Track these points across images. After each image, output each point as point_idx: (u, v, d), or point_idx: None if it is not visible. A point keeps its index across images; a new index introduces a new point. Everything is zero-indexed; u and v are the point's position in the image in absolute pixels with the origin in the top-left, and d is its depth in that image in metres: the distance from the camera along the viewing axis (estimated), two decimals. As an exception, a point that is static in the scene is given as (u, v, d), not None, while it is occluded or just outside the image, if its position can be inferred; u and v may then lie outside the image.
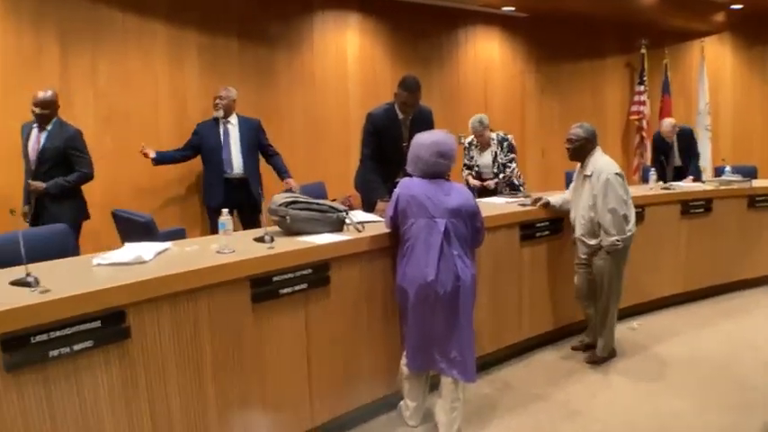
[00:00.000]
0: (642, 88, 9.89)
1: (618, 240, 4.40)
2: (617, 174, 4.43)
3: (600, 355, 4.78)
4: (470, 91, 8.64)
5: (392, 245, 3.79)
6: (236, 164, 6.06)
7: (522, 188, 6.33)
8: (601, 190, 4.40)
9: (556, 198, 4.94)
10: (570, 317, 5.19)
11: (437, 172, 3.64)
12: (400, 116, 4.78)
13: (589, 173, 4.52)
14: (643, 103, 9.87)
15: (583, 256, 4.66)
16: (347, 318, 3.72)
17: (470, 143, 6.65)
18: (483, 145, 6.56)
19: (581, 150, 4.61)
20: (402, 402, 3.89)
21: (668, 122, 7.37)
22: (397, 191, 3.69)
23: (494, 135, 6.52)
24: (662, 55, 10.09)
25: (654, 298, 5.88)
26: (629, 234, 4.47)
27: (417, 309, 3.58)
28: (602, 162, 4.53)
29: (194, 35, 6.47)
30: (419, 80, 4.72)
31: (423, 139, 3.69)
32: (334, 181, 6.86)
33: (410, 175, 3.75)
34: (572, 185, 4.83)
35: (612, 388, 4.40)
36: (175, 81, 6.33)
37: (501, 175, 6.44)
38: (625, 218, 4.43)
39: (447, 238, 3.52)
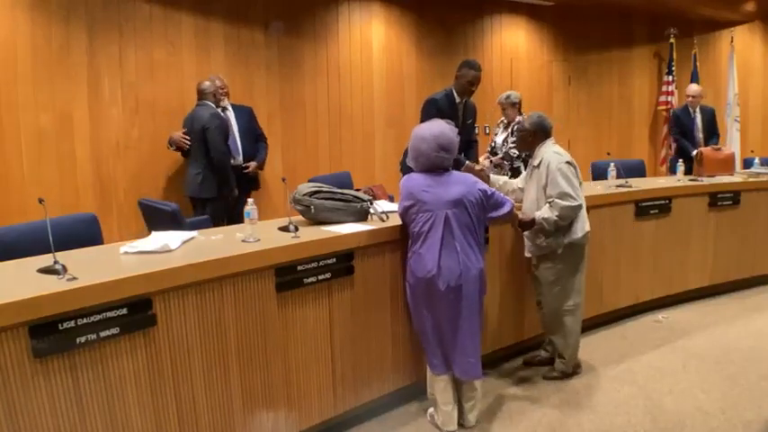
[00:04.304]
0: (670, 78, 9.73)
1: (555, 218, 3.94)
2: (567, 162, 4.05)
3: (559, 371, 4.40)
4: (496, 81, 8.57)
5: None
6: (240, 151, 6.17)
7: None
8: (550, 180, 4.00)
9: (506, 181, 4.63)
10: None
11: (439, 165, 3.57)
12: (457, 100, 5.05)
13: (536, 163, 4.16)
14: (671, 93, 9.71)
15: (528, 255, 4.30)
16: (371, 307, 3.73)
17: (501, 121, 6.40)
18: (508, 123, 6.27)
19: (523, 141, 4.32)
20: (431, 410, 3.81)
21: (696, 87, 7.33)
22: (401, 188, 3.65)
23: (520, 118, 6.08)
24: (691, 45, 9.92)
25: (680, 291, 5.81)
26: (577, 237, 4.10)
27: (423, 305, 3.56)
28: (552, 152, 4.11)
29: (220, 25, 6.49)
30: None
31: (424, 133, 3.58)
32: (358, 170, 6.86)
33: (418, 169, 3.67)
34: (523, 176, 4.49)
35: (637, 381, 4.36)
36: (202, 71, 6.35)
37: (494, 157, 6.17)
38: (575, 210, 4.01)
39: (449, 231, 3.46)
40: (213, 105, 5.83)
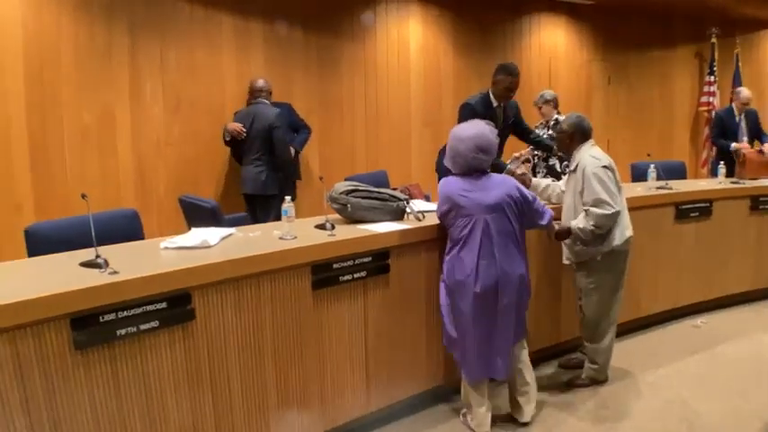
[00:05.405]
0: (712, 79, 9.56)
1: (591, 228, 3.84)
2: (604, 167, 3.91)
3: (589, 377, 4.30)
4: (534, 81, 8.50)
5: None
6: None
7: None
8: (586, 186, 3.89)
9: (548, 184, 4.53)
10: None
11: (476, 167, 3.54)
12: (495, 104, 4.91)
13: (573, 168, 4.07)
14: (713, 94, 9.54)
15: (566, 262, 4.21)
16: (405, 306, 3.73)
17: (540, 123, 6.39)
18: (546, 122, 6.30)
19: (561, 144, 4.24)
20: (464, 411, 3.78)
21: (748, 92, 7.16)
22: (440, 191, 3.63)
23: (558, 116, 6.13)
24: (733, 45, 9.74)
25: (720, 295, 5.71)
26: (617, 244, 3.98)
27: (460, 305, 3.52)
28: (588, 156, 3.98)
29: (260, 25, 6.55)
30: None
31: (461, 134, 3.56)
32: (394, 170, 6.86)
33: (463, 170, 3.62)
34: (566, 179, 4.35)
35: (674, 387, 4.30)
36: (241, 70, 6.41)
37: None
38: (611, 218, 3.88)
39: (487, 237, 3.43)
40: (269, 103, 5.92)
